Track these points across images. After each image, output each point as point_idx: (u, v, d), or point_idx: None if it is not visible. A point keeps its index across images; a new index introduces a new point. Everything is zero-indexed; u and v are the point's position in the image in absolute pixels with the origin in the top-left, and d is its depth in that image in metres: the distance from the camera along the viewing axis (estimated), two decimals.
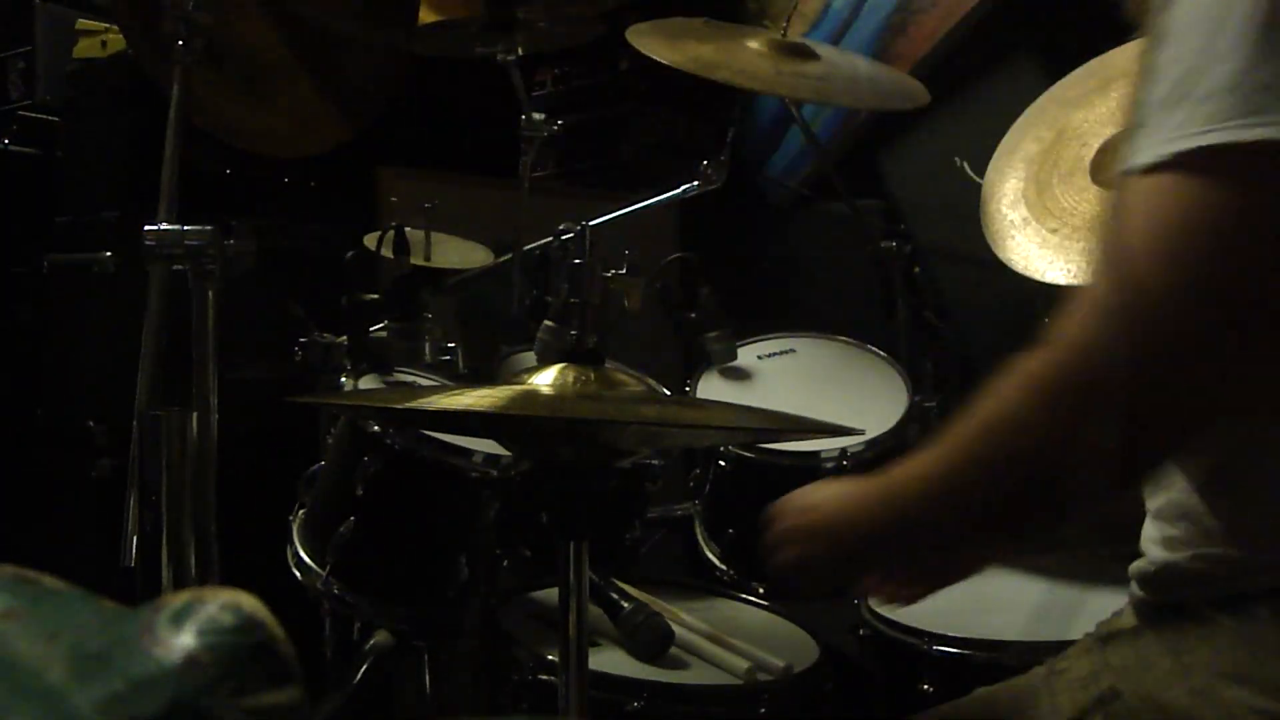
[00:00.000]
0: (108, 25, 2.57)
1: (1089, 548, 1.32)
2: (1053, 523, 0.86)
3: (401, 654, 1.55)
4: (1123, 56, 1.59)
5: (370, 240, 1.86)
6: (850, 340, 1.82)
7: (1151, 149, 0.74)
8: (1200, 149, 0.72)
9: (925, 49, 2.71)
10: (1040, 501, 0.82)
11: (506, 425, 0.95)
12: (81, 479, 2.24)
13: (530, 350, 1.60)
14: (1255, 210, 0.72)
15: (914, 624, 1.32)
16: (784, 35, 1.81)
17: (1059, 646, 1.00)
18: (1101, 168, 1.57)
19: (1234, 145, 0.71)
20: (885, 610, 1.34)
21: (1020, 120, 1.73)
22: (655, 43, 1.70)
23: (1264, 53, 0.71)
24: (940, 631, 1.31)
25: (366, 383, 1.59)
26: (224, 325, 1.24)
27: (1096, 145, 1.60)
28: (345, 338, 1.63)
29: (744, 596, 1.55)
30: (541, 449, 0.92)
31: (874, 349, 1.79)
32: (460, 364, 1.70)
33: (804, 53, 1.78)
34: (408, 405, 1.00)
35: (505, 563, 1.53)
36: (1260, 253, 0.73)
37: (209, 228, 1.22)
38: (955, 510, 0.86)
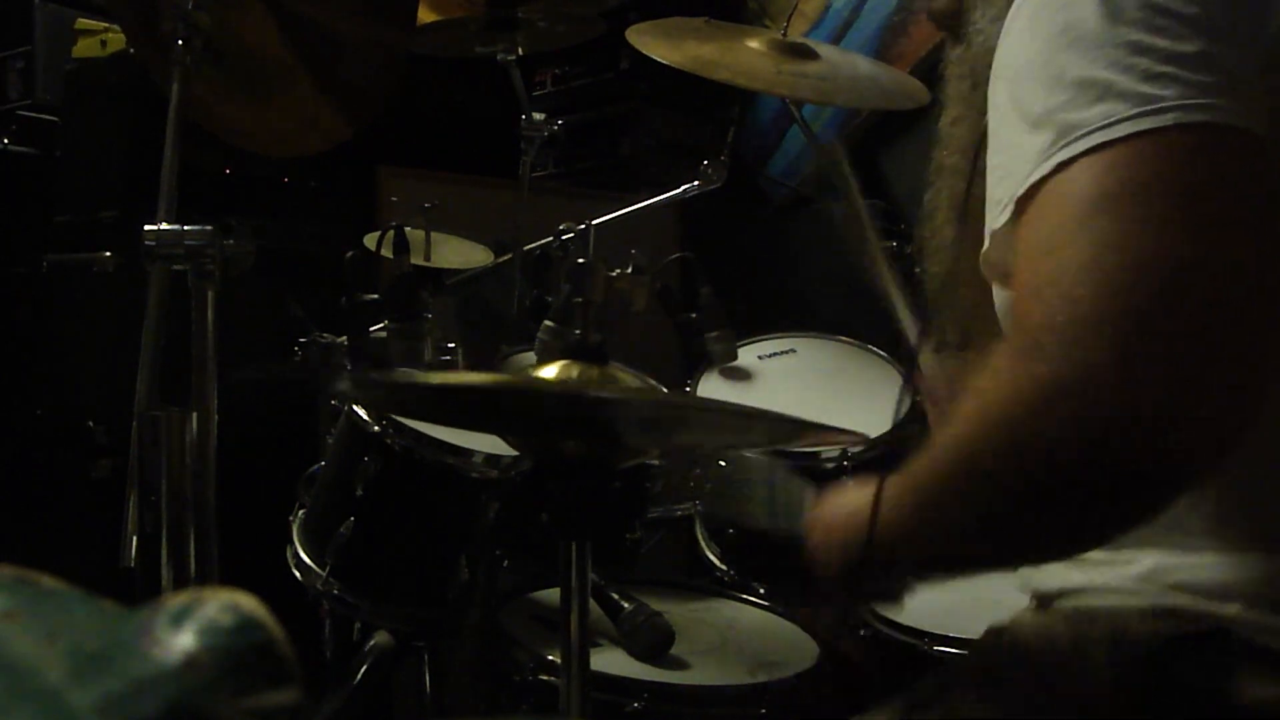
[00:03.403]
0: (107, 25, 2.57)
1: None
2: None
3: (401, 654, 1.55)
4: None
5: (370, 240, 1.86)
6: (850, 340, 1.82)
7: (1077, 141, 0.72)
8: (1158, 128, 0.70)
9: (926, 48, 2.71)
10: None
11: (512, 407, 0.93)
12: (81, 479, 2.24)
13: (530, 350, 1.60)
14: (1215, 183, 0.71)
15: (914, 624, 1.32)
16: (785, 35, 1.81)
17: None
18: None
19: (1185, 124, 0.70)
20: (885, 610, 1.34)
21: None
22: (655, 42, 1.70)
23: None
24: (940, 631, 1.31)
25: None
26: (224, 325, 1.23)
27: None
28: (345, 338, 1.63)
29: (744, 596, 1.55)
30: (546, 438, 0.91)
31: (874, 349, 1.79)
32: (460, 364, 1.70)
33: (805, 52, 1.77)
34: (412, 380, 0.99)
35: (505, 563, 1.53)
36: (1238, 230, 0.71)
37: (208, 228, 1.22)
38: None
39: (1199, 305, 0.68)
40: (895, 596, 1.05)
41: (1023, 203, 0.76)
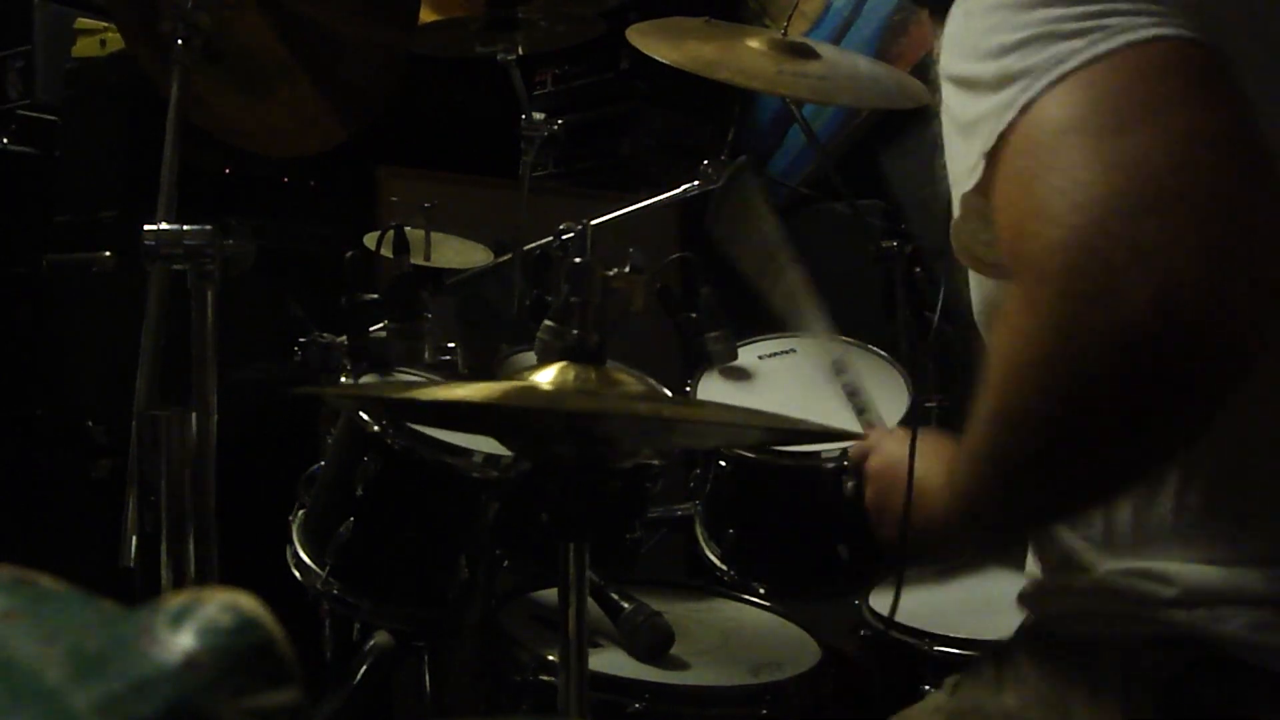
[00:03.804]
0: (106, 24, 2.57)
1: None
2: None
3: (401, 654, 1.55)
4: None
5: (370, 240, 1.86)
6: (850, 340, 1.82)
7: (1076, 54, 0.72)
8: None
9: (926, 48, 2.71)
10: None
11: (503, 419, 0.94)
12: (81, 479, 2.24)
13: (530, 350, 1.60)
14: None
15: (914, 624, 1.32)
16: (785, 34, 1.81)
17: None
18: None
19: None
20: (885, 610, 1.34)
21: None
22: (655, 42, 1.70)
23: None
24: (940, 632, 1.31)
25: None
26: (224, 325, 1.23)
27: None
28: (345, 338, 1.63)
29: (744, 597, 1.55)
30: (539, 445, 0.92)
31: (874, 349, 1.79)
32: (460, 364, 1.70)
33: (805, 52, 1.77)
34: (405, 396, 1.00)
35: (505, 563, 1.53)
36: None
37: (208, 228, 1.22)
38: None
39: (1198, 196, 0.66)
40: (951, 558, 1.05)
41: (993, 156, 0.75)
